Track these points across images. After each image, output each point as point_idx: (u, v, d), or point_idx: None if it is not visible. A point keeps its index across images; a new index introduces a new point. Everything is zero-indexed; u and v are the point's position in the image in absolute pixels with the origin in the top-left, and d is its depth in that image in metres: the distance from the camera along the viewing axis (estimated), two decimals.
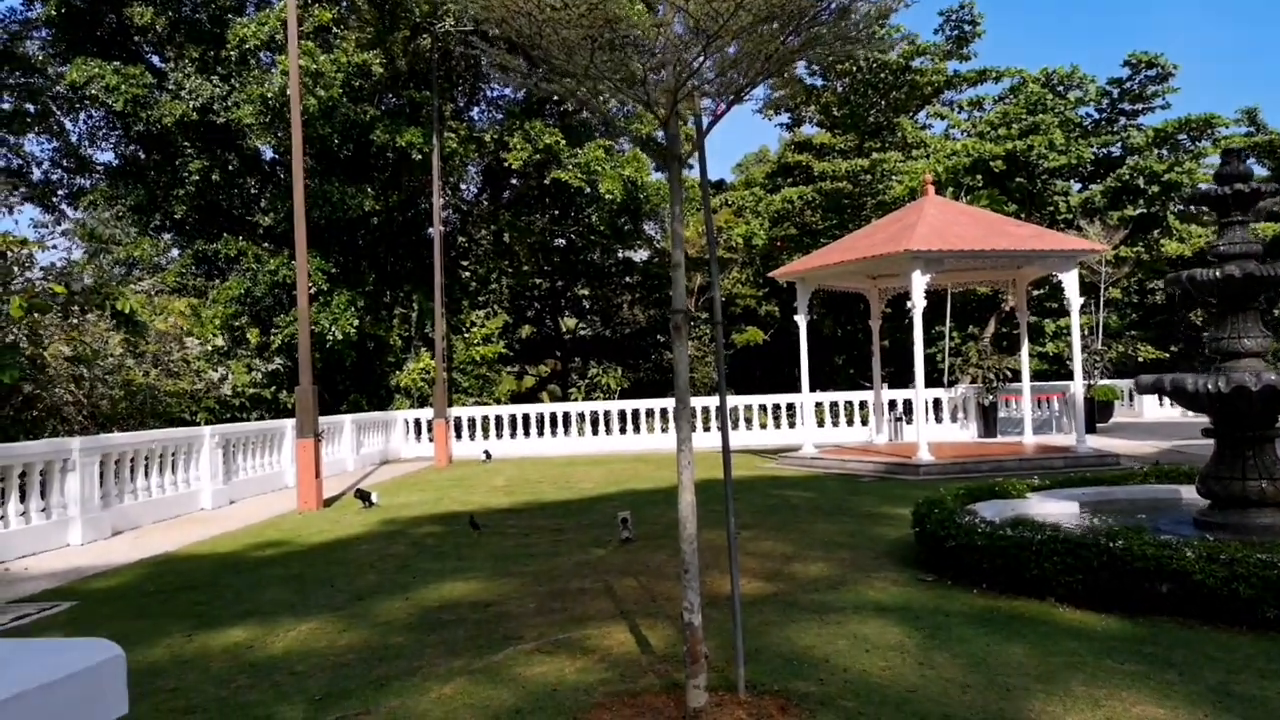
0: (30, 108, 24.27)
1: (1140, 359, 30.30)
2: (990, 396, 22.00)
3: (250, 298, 20.71)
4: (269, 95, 18.15)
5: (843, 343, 36.09)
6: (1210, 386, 6.93)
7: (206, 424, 18.11)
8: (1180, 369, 31.24)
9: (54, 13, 19.27)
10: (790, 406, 22.55)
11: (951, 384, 23.66)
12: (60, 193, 26.63)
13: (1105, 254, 24.79)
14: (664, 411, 23.48)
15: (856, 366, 33.48)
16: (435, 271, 20.53)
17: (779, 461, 16.95)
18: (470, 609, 6.67)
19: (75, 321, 15.05)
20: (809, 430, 18.08)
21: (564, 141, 22.84)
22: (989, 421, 22.07)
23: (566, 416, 23.76)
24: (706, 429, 23.00)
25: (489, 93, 28.92)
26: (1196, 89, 77.15)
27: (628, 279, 36.10)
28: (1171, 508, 8.66)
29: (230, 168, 20.84)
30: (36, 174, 26.03)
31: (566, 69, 4.26)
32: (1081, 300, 15.64)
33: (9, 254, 10.10)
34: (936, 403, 22.85)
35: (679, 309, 4.41)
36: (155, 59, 21.43)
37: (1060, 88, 28.51)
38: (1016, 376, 22.23)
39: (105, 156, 26.36)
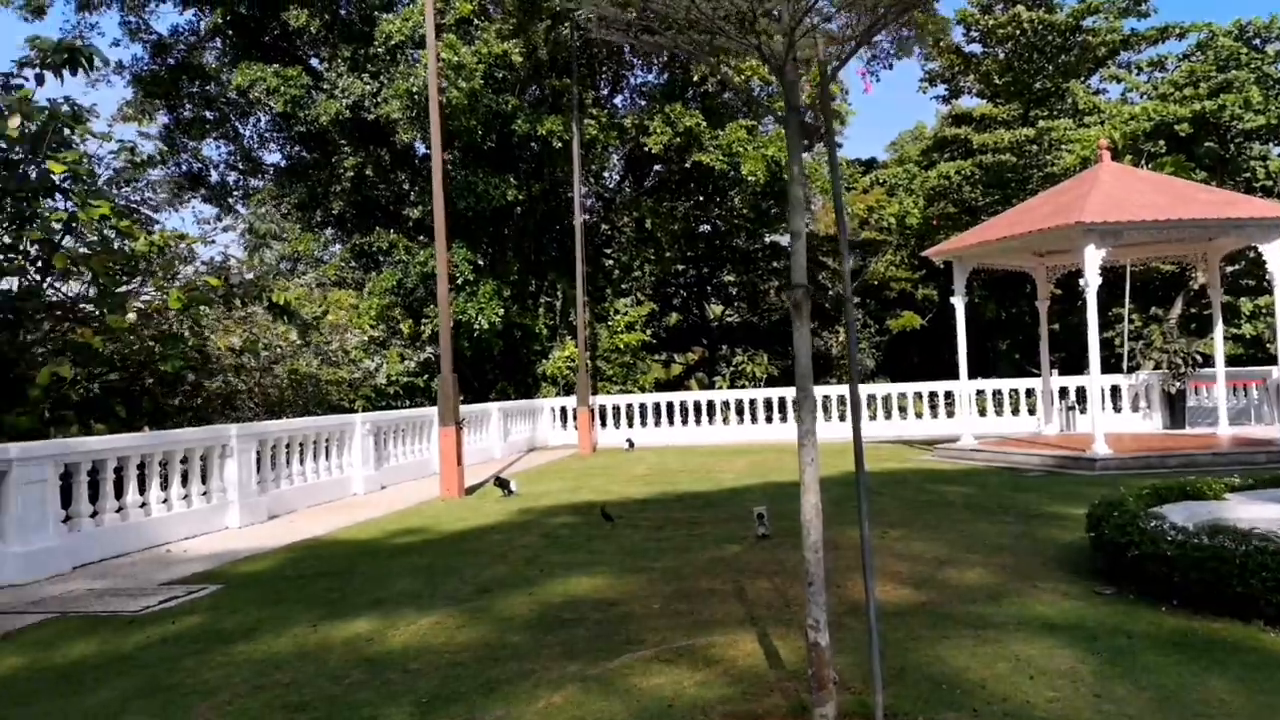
0: (208, 114, 25.94)
1: None
2: (1177, 383, 19.99)
3: (403, 289, 21.36)
4: (414, 90, 18.54)
5: (1006, 326, 33.93)
6: None
7: (363, 411, 18.81)
8: None
9: (220, 21, 20.43)
10: (948, 394, 21.27)
11: (1132, 370, 21.70)
12: (236, 194, 28.45)
13: None
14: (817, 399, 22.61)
15: (1022, 352, 31.39)
16: (577, 260, 20.51)
17: (934, 453, 15.92)
18: (593, 608, 6.36)
19: (243, 314, 15.88)
20: (968, 420, 16.89)
21: (705, 124, 22.34)
22: (1176, 411, 20.06)
23: (710, 405, 23.33)
24: (844, 419, 22.05)
25: (632, 79, 28.78)
26: None
27: (774, 264, 35.23)
28: None
29: (382, 163, 21.53)
30: (214, 176, 27.85)
31: (667, 11, 3.79)
32: None
33: (169, 249, 10.61)
34: (1115, 391, 21.03)
35: (798, 284, 3.88)
36: (313, 60, 22.38)
37: (1257, 40, 25.56)
38: (1208, 361, 20.11)
39: (274, 158, 27.88)
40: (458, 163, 21.62)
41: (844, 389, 22.88)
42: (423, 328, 21.55)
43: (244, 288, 12.37)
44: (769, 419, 22.82)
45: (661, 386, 27.36)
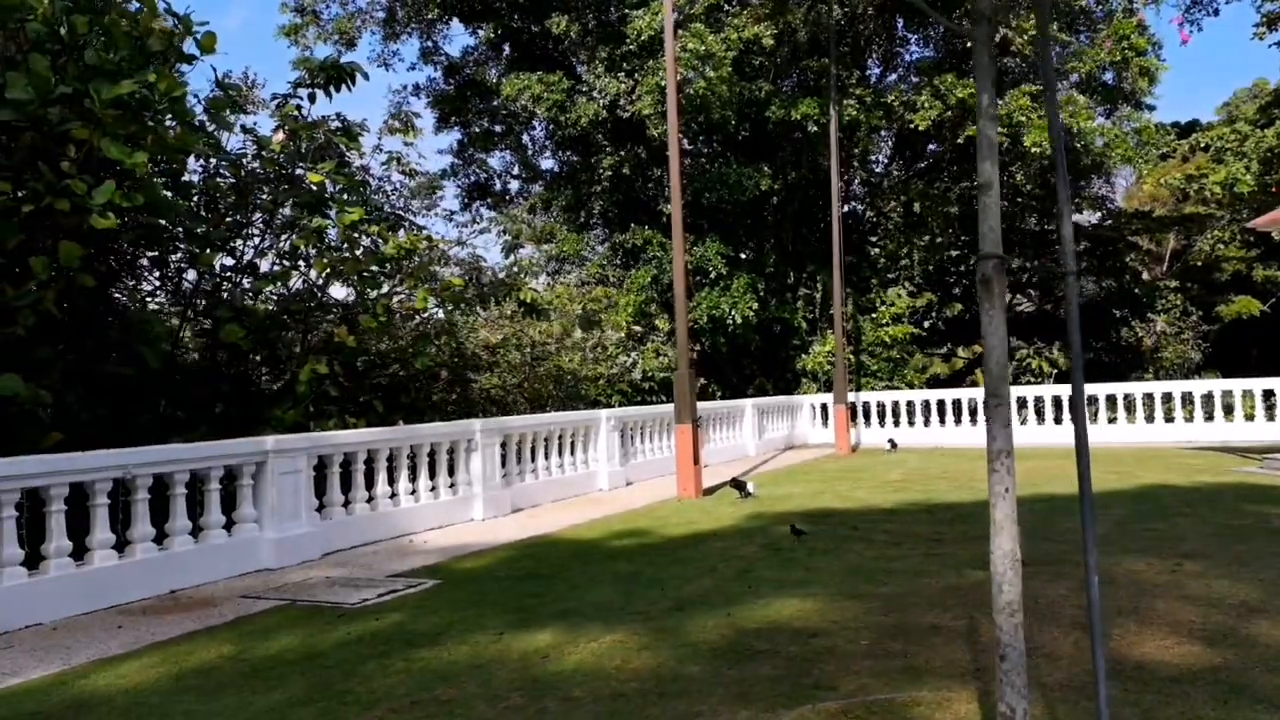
0: (496, 128, 27.66)
1: None
2: None
3: (658, 285, 21.43)
4: (664, 84, 18.41)
5: None
6: None
7: (619, 406, 19.08)
8: None
9: (493, 35, 21.56)
10: None
11: None
12: (519, 200, 30.19)
13: None
14: (1111, 399, 19.91)
15: None
16: (834, 249, 19.46)
17: (1264, 464, 13.21)
18: (790, 638, 5.62)
19: (509, 313, 16.61)
20: None
21: None
22: None
23: (954, 403, 21.28)
24: (1151, 420, 19.11)
25: (906, 56, 27.01)
26: None
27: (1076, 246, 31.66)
28: None
29: (640, 160, 21.73)
30: (497, 185, 29.71)
31: None
32: None
33: (420, 252, 11.15)
34: None
35: (988, 254, 2.94)
36: (576, 65, 23.07)
37: None
38: None
39: (549, 164, 29.22)
40: (712, 155, 21.31)
41: (1151, 386, 19.88)
42: (677, 324, 21.52)
43: (493, 288, 12.75)
44: (1057, 420, 20.37)
45: (942, 383, 25.39)
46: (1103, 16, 24.76)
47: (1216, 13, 29.44)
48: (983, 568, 7.38)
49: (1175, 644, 5.17)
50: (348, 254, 11.11)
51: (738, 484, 12.35)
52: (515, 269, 17.48)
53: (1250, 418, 18.69)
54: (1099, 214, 31.46)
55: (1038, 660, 5.00)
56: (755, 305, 20.75)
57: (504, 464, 12.18)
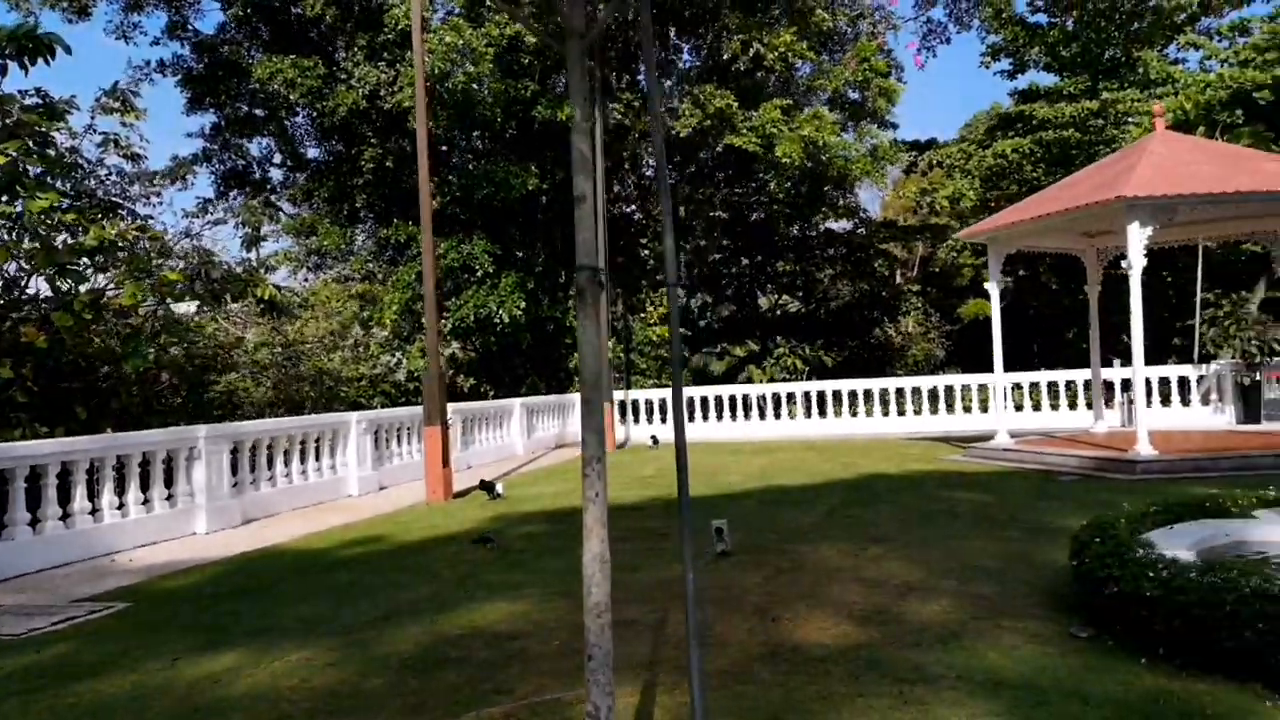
0: (258, 112, 25.83)
1: None
2: (1252, 374, 18.29)
3: (422, 282, 20.92)
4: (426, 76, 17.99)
5: (1081, 314, 31.79)
6: None
7: (381, 408, 18.44)
8: None
9: (242, 13, 20.21)
10: (983, 388, 19.87)
11: (1205, 360, 19.93)
12: (283, 190, 28.45)
13: None
14: (853, 394, 21.50)
15: (1105, 340, 29.21)
16: (598, 250, 19.75)
17: (967, 453, 14.70)
18: (487, 643, 5.60)
19: (260, 311, 15.59)
20: (1003, 416, 15.63)
21: (737, 104, 21.29)
22: (1250, 404, 18.37)
23: (746, 400, 22.37)
24: (887, 413, 20.84)
25: (680, 64, 27.82)
26: None
27: (829, 250, 33.87)
28: None
29: (404, 153, 21.09)
30: (256, 173, 27.87)
31: None
32: None
33: (130, 242, 10.21)
34: (1184, 382, 19.40)
35: (584, 265, 3.03)
36: (334, 51, 22.04)
37: None
38: None
39: (315, 153, 27.74)
40: (479, 151, 21.05)
41: (902, 381, 21.55)
42: (443, 323, 21.12)
43: (225, 283, 11.92)
44: (807, 414, 21.78)
45: (716, 380, 26.48)
46: (852, 38, 26.69)
47: (949, 41, 32.43)
48: (697, 561, 7.74)
49: (834, 625, 5.60)
50: (52, 244, 10.01)
51: (486, 486, 12.25)
52: (254, 263, 16.39)
53: (968, 409, 20.72)
54: (853, 222, 33.78)
55: (710, 647, 5.26)
56: (524, 304, 20.71)
57: (235, 472, 11.43)
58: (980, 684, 4.51)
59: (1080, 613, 5.47)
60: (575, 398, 22.95)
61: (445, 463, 12.43)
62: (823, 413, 21.62)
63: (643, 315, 24.11)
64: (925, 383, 21.33)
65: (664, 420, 22.28)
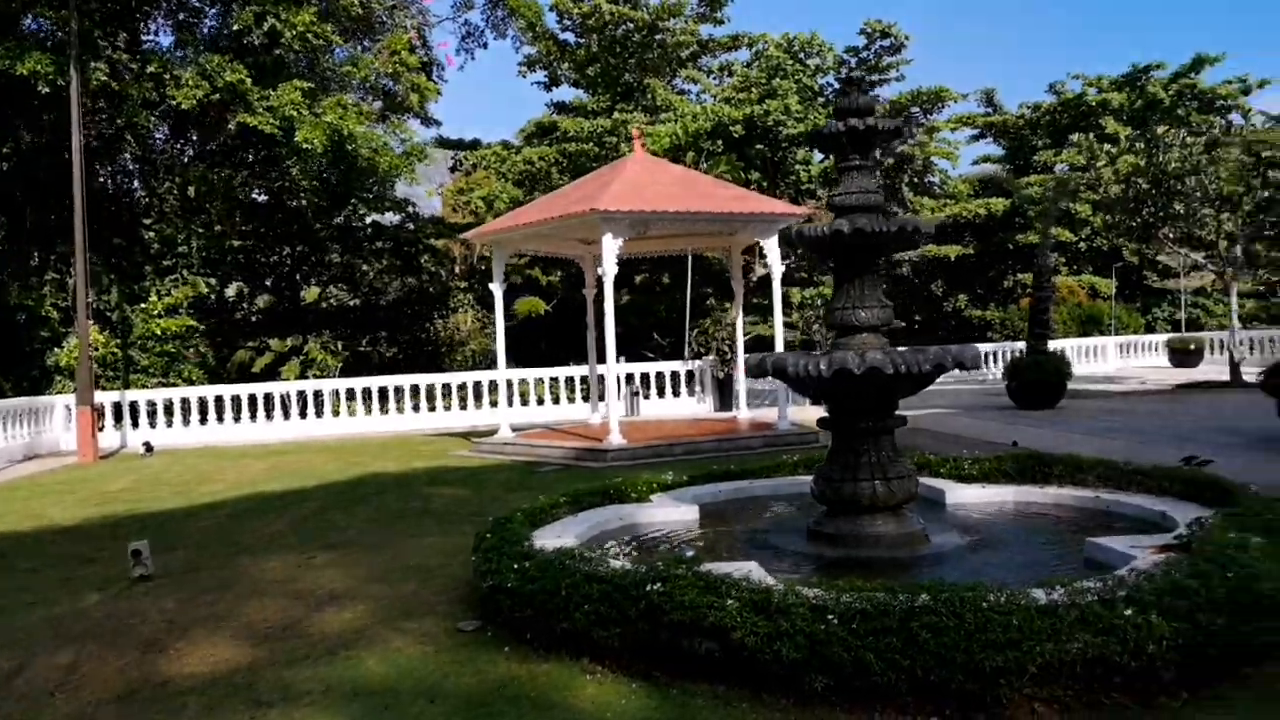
0: None
1: None
2: (725, 368, 21.31)
3: None
4: None
5: (624, 311, 34.48)
6: (811, 369, 5.67)
7: None
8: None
9: None
10: (493, 385, 20.47)
11: (696, 356, 22.84)
12: None
13: (805, 218, 24.72)
14: (383, 391, 21.16)
15: (638, 338, 31.98)
16: (75, 229, 17.15)
17: (474, 448, 15.16)
18: None
19: None
20: (507, 411, 16.46)
21: (251, 81, 19.77)
22: (725, 395, 21.37)
23: (269, 398, 20.93)
24: (424, 408, 20.91)
25: (204, 29, 25.03)
26: (939, 70, 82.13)
27: (379, 243, 33.05)
28: (810, 508, 7.54)
29: None
30: None
31: None
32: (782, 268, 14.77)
33: None
34: (675, 376, 21.96)
35: None
36: None
37: (801, 54, 28.22)
38: (769, 346, 21.63)
39: None
40: None
41: (433, 378, 21.48)
42: None
43: None
44: (351, 412, 20.86)
45: (257, 377, 24.29)
46: (391, 29, 26.24)
47: (485, 46, 33.42)
48: (112, 585, 6.91)
49: (226, 650, 5.25)
50: None
51: None
52: None
53: (495, 404, 21.43)
54: (401, 216, 33.31)
55: (67, 690, 4.62)
56: None
57: None
58: (342, 695, 4.49)
59: (477, 607, 5.74)
60: (56, 400, 19.73)
61: None
62: (368, 410, 20.97)
63: (144, 306, 21.42)
64: (455, 379, 21.64)
65: (170, 423, 20.03)
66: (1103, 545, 5.33)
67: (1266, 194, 20.74)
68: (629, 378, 21.57)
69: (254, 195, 27.40)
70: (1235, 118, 32.01)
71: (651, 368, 22.25)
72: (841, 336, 6.20)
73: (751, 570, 4.91)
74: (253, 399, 20.63)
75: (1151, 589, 4.04)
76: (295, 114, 20.21)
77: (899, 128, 6.81)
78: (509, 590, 4.99)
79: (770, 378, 6.13)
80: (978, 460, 7.87)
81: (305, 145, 20.16)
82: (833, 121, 6.20)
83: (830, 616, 4.03)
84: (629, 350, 29.92)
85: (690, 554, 5.87)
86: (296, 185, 23.16)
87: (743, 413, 16.88)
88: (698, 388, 22.06)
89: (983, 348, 26.12)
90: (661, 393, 21.90)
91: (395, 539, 8.14)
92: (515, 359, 34.45)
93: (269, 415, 20.70)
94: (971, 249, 33.90)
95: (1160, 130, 22.21)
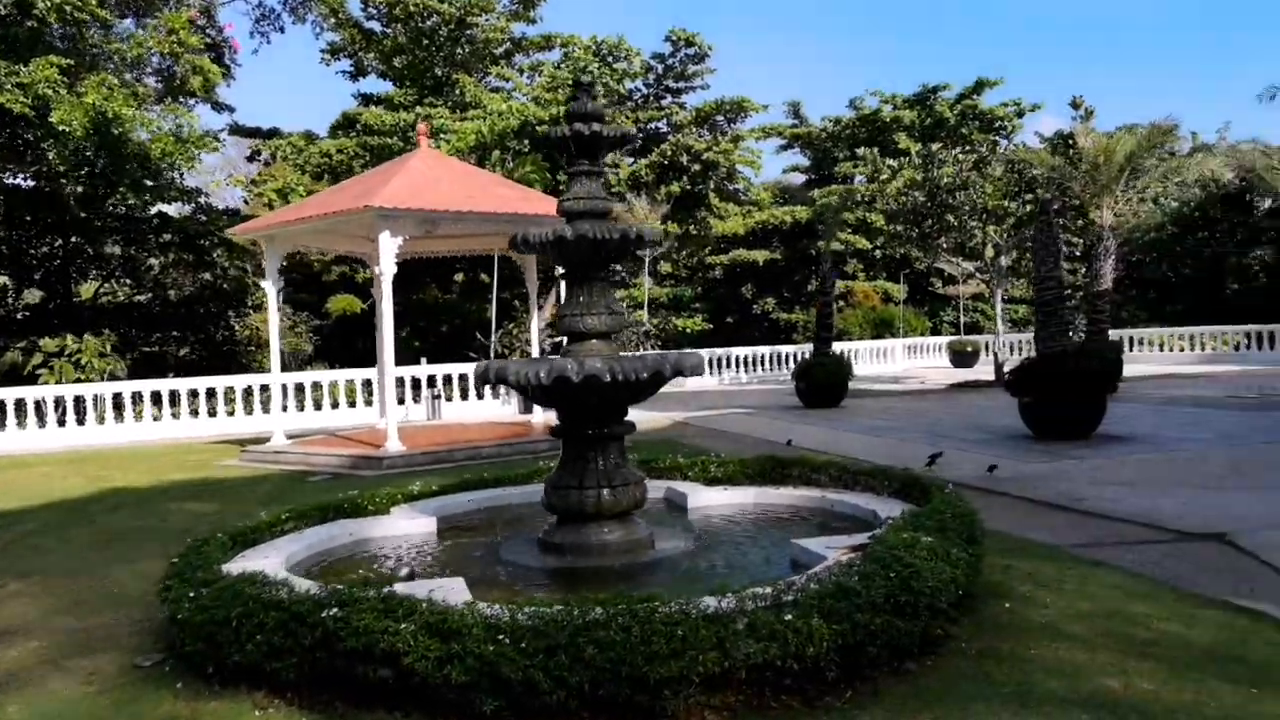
0: None
1: (686, 330, 31.63)
2: None
3: None
4: None
5: (447, 310, 33.35)
6: (531, 376, 5.55)
7: None
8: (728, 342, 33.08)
9: None
10: (264, 389, 19.33)
11: (502, 357, 22.47)
12: None
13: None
14: (156, 395, 19.54)
15: (461, 337, 30.91)
16: None
17: (242, 456, 14.22)
18: None
19: None
20: (281, 417, 15.63)
21: None
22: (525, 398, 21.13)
23: (20, 404, 18.92)
24: (196, 414, 19.38)
25: None
26: (751, 81, 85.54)
27: (164, 236, 30.53)
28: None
29: None
30: None
31: None
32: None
33: None
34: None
35: None
36: None
37: (609, 58, 28.41)
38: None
39: None
40: None
41: (215, 381, 19.91)
42: None
43: None
44: (101, 420, 19.03)
45: (26, 379, 21.72)
46: (173, 6, 24.34)
47: (283, 30, 31.73)
48: None
49: None
50: None
51: None
52: None
53: (285, 409, 20.27)
54: (192, 207, 31.00)
55: None
56: None
57: None
58: None
59: (163, 640, 5.24)
60: None
61: None
62: (138, 416, 19.27)
63: None
64: (240, 382, 20.27)
65: None
66: (803, 546, 5.49)
67: (1028, 208, 22.66)
68: (430, 380, 20.98)
69: (15, 181, 24.82)
70: (1018, 138, 34.91)
71: (455, 369, 21.71)
72: (572, 343, 6.12)
73: (452, 588, 4.71)
74: (2, 405, 18.63)
75: (815, 592, 4.15)
76: (50, 93, 18.38)
77: (626, 135, 6.82)
78: (180, 621, 4.57)
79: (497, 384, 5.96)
80: (723, 463, 8.02)
81: (63, 127, 18.34)
82: (561, 125, 6.12)
83: (501, 636, 3.89)
84: (452, 350, 29.14)
85: (405, 571, 5.62)
86: (55, 170, 21.06)
87: (538, 416, 16.71)
88: (502, 390, 21.71)
89: (786, 349, 27.34)
90: (465, 395, 21.43)
91: (105, 564, 7.40)
92: (330, 359, 32.83)
93: (20, 423, 18.74)
94: (779, 254, 35.23)
95: (935, 147, 23.81)
